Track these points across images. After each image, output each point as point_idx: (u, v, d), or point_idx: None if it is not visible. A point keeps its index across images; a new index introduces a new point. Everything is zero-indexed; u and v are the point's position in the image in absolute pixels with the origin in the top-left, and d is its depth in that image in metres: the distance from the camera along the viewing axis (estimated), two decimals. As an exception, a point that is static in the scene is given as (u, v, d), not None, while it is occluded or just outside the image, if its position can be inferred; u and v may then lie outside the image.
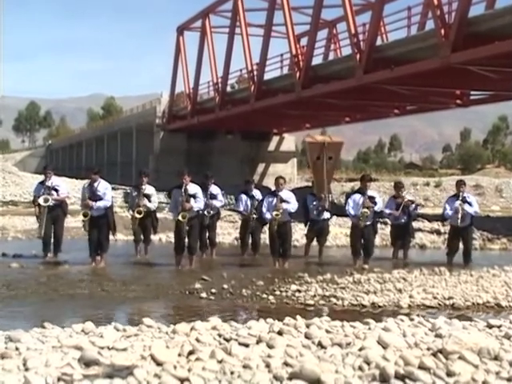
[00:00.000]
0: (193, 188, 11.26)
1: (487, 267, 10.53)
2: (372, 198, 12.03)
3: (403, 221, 13.38)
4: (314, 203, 13.22)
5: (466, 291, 8.69)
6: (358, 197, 12.13)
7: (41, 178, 13.71)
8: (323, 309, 7.91)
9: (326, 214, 13.49)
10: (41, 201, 12.06)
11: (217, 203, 13.06)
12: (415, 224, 16.28)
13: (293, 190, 13.98)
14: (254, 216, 13.11)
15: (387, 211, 13.39)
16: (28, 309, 7.80)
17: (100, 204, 11.32)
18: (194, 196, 11.17)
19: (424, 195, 41.56)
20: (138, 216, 12.61)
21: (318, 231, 13.49)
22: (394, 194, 13.78)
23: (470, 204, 12.41)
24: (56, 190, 12.31)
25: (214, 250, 13.35)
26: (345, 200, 12.69)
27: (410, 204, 13.42)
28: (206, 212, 12.59)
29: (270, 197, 11.92)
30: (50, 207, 12.12)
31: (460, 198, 12.37)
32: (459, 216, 12.18)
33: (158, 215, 13.83)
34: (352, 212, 12.06)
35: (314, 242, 13.75)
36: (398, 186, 13.76)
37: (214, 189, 13.09)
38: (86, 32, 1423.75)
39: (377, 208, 12.13)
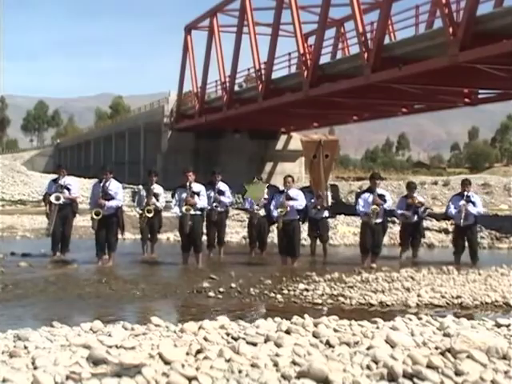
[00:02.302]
0: (197, 187, 11.43)
1: (496, 266, 10.51)
2: (382, 196, 11.97)
3: (413, 220, 13.37)
4: (312, 201, 13.17)
5: (474, 290, 8.66)
6: (367, 195, 12.08)
7: (50, 176, 13.72)
8: (323, 309, 7.87)
9: (325, 213, 13.46)
10: (52, 198, 12.08)
11: (225, 199, 13.07)
12: (423, 223, 16.21)
13: (301, 189, 13.95)
14: (260, 213, 13.08)
15: (399, 211, 13.38)
16: (36, 308, 7.81)
17: (112, 203, 11.34)
18: (197, 194, 11.31)
19: (432, 194, 41.48)
20: (148, 215, 12.65)
21: (318, 230, 13.46)
22: (406, 193, 13.72)
23: (473, 204, 12.38)
24: (68, 189, 12.33)
25: (221, 249, 13.30)
26: (355, 200, 12.63)
27: (419, 206, 13.38)
28: (213, 206, 12.63)
29: (278, 195, 11.95)
30: (61, 206, 12.14)
31: (464, 198, 12.34)
32: (462, 215, 12.15)
33: (167, 214, 13.84)
34: (363, 210, 11.97)
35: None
36: (411, 187, 13.71)
37: (222, 185, 13.10)
38: (94, 31, 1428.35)
39: (386, 206, 12.03)
